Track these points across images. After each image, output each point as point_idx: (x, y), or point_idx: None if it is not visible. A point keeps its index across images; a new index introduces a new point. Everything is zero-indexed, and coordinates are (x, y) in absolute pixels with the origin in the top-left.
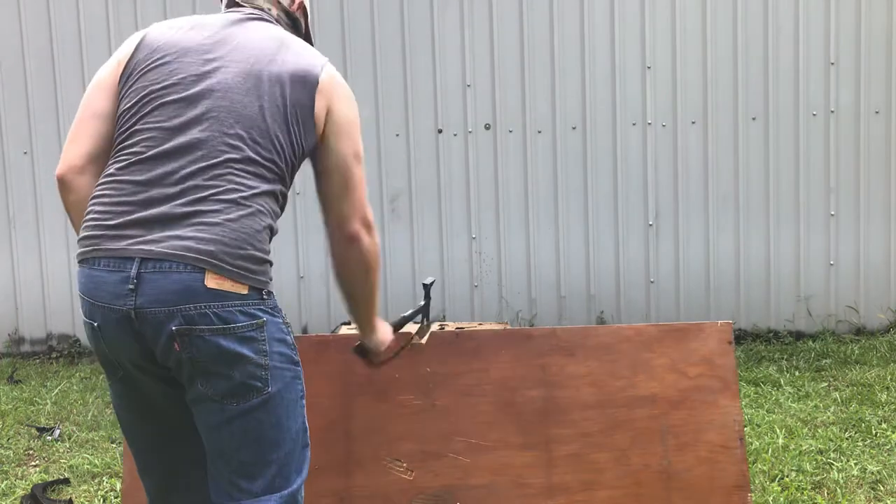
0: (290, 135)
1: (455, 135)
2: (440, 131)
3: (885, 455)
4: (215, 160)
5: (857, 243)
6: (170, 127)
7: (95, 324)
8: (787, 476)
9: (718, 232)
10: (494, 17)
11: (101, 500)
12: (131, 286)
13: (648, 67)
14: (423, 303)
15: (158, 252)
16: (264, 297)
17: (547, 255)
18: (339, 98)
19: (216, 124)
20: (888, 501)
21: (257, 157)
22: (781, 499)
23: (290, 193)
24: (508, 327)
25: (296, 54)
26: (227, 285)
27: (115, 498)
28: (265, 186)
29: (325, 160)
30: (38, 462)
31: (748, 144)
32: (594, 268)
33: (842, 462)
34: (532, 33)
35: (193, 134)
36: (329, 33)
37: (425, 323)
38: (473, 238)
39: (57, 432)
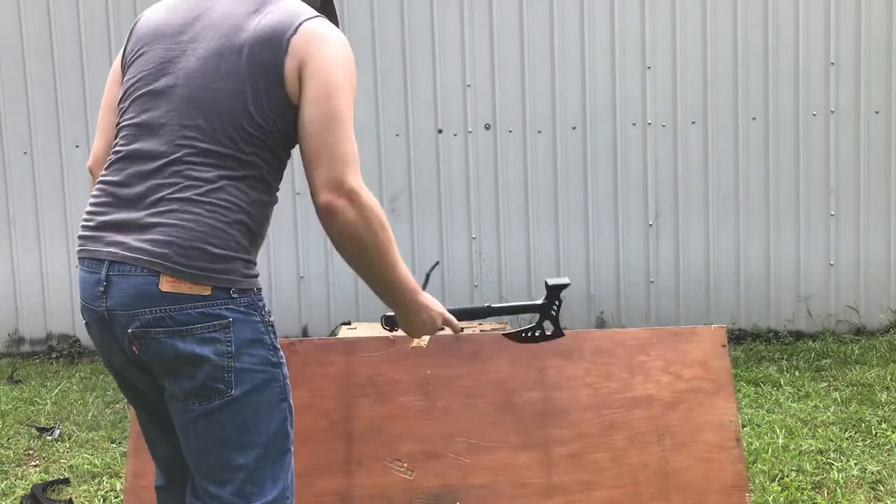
0: (260, 110)
1: (455, 135)
2: (440, 131)
3: (885, 455)
4: (172, 156)
5: (857, 243)
6: (138, 123)
7: (87, 323)
8: (787, 476)
9: (718, 232)
10: (494, 17)
11: (101, 500)
12: (102, 288)
13: (648, 68)
14: (542, 302)
15: (121, 255)
16: (233, 295)
17: (547, 255)
18: (314, 54)
19: (176, 117)
20: (888, 501)
21: (217, 148)
22: (781, 499)
23: (289, 193)
24: (508, 328)
25: (272, 15)
26: (184, 287)
27: (115, 498)
28: (231, 178)
29: (298, 125)
30: (38, 462)
31: (748, 144)
32: (594, 268)
33: (842, 462)
34: (532, 33)
35: (156, 130)
36: None
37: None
38: (473, 238)
39: (57, 432)
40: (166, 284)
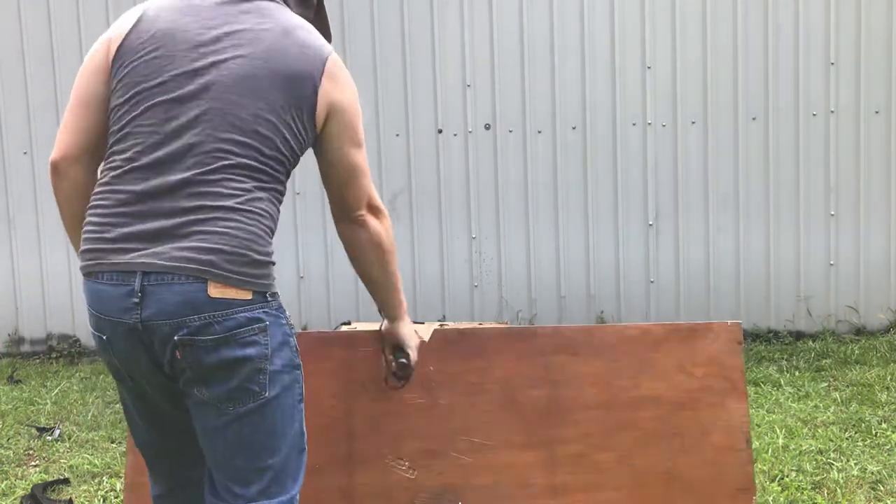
0: (291, 133)
1: (455, 135)
2: (440, 131)
3: (885, 455)
4: (210, 167)
5: (857, 243)
6: (162, 131)
7: (104, 336)
8: (787, 476)
9: (718, 232)
10: (494, 17)
11: (101, 500)
12: (136, 299)
13: (648, 67)
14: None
15: (160, 265)
16: (268, 299)
17: (547, 255)
18: (340, 88)
19: (209, 128)
20: (888, 501)
21: (253, 162)
22: (781, 499)
23: (289, 193)
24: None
25: (300, 46)
26: (230, 293)
27: (116, 498)
28: (262, 189)
29: (326, 153)
30: (38, 462)
31: (748, 144)
32: (594, 268)
33: (842, 462)
34: (532, 33)
35: (186, 139)
36: None
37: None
38: (473, 238)
39: (57, 432)
40: (214, 290)
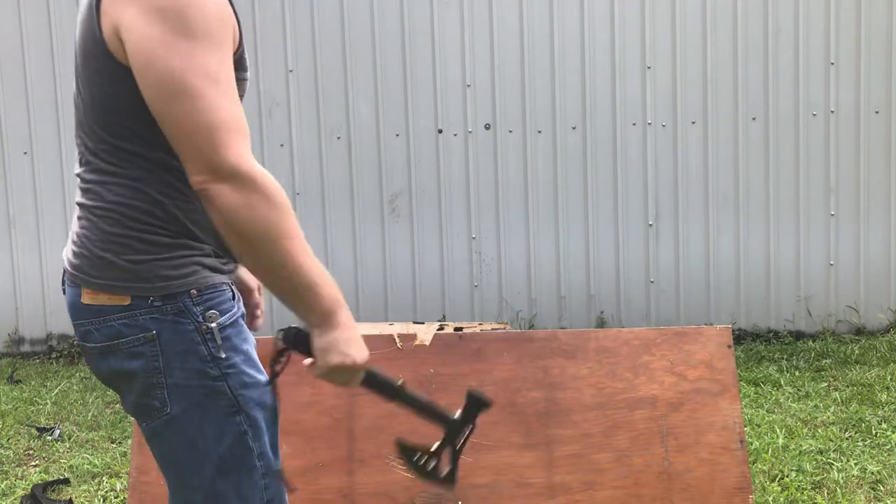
0: (109, 99)
1: (455, 135)
2: (440, 131)
3: (885, 455)
4: (78, 161)
5: (857, 243)
6: None
7: None
8: (787, 476)
9: (718, 232)
10: (494, 17)
11: (101, 500)
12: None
13: (648, 67)
14: (456, 417)
15: (65, 266)
16: (155, 304)
17: (547, 255)
18: (126, 7)
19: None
20: (888, 501)
21: (92, 157)
22: (781, 499)
23: (289, 193)
24: (509, 327)
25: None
26: (102, 298)
27: (115, 498)
28: (112, 181)
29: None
30: (38, 462)
31: (748, 144)
32: (594, 268)
33: (842, 462)
34: (532, 33)
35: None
36: (329, 33)
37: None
38: (473, 238)
39: (57, 432)
40: (87, 297)
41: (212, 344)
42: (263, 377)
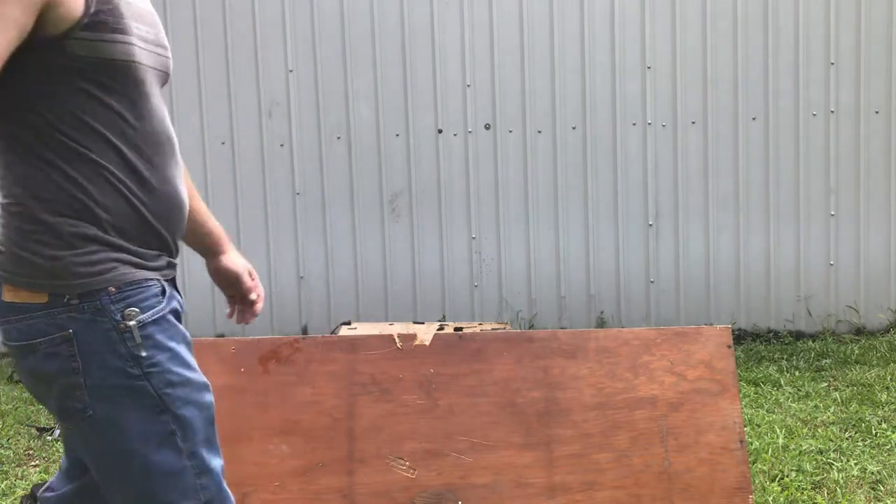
0: None
1: (455, 135)
2: (440, 131)
3: (885, 455)
4: None
5: (857, 243)
6: None
7: None
8: (787, 476)
9: (718, 232)
10: (494, 17)
11: None
12: None
13: (648, 67)
14: None
15: None
16: (72, 302)
17: (547, 255)
18: None
19: None
20: (888, 501)
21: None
22: (781, 499)
23: (289, 193)
24: (509, 327)
25: None
26: (23, 296)
27: None
28: (19, 164)
29: None
30: (38, 462)
31: (748, 144)
32: (594, 268)
33: (842, 462)
34: (532, 33)
35: None
36: (329, 33)
37: None
38: (473, 238)
39: (57, 432)
40: (7, 293)
41: (130, 343)
42: (196, 375)
